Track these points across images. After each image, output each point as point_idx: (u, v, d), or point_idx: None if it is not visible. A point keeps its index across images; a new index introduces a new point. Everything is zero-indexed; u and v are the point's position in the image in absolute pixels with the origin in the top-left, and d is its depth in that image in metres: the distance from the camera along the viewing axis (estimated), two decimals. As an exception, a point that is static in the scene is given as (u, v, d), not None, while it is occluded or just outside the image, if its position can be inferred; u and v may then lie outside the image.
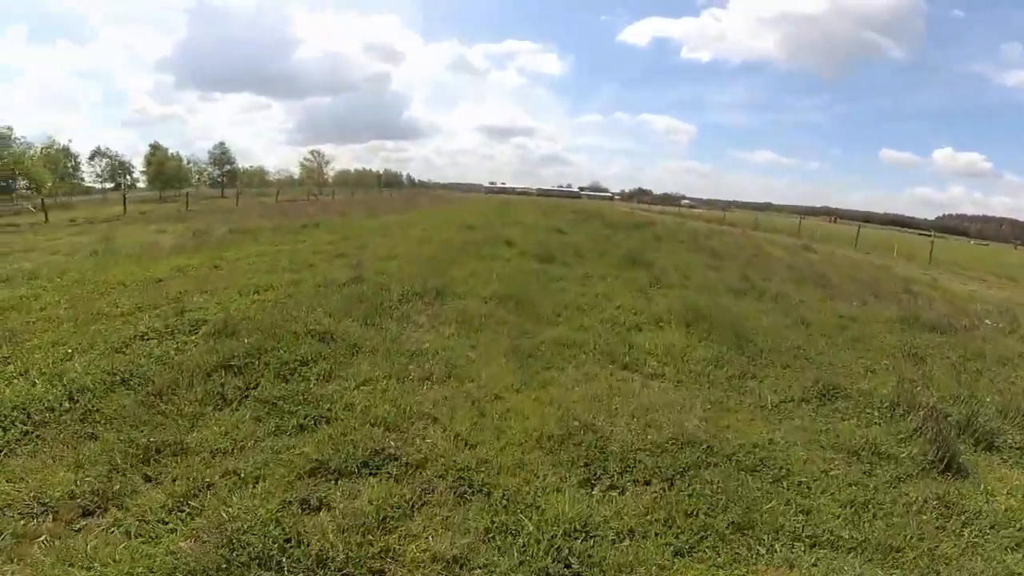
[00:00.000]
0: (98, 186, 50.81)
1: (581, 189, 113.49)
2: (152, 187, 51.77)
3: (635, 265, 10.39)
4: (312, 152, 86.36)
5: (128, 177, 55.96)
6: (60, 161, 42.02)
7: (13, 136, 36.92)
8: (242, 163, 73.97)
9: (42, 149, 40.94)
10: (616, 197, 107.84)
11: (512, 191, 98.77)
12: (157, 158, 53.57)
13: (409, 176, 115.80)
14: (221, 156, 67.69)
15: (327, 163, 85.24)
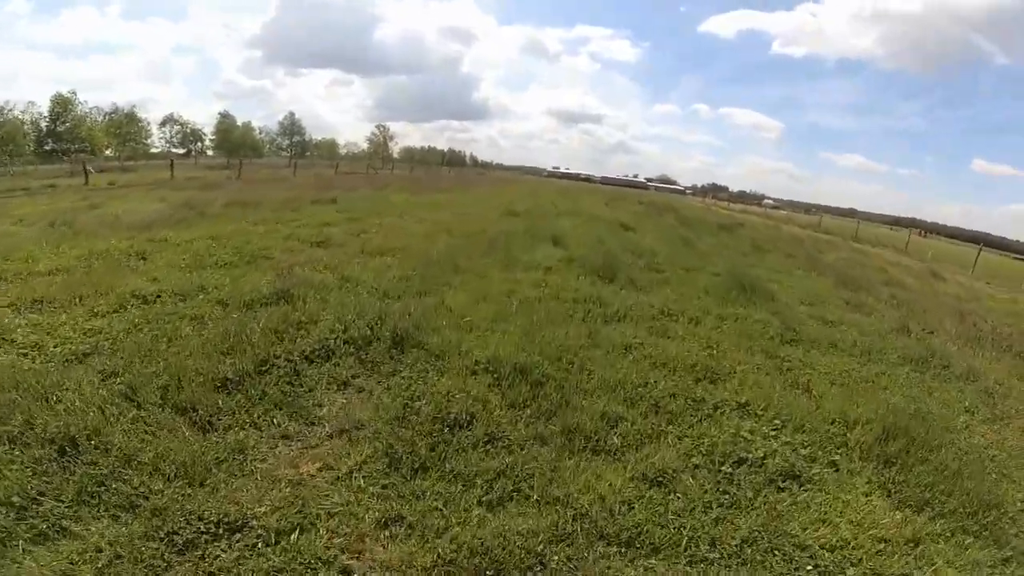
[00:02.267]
0: (170, 151, 52.45)
1: (649, 180, 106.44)
2: (220, 154, 52.73)
3: (743, 294, 6.73)
4: (378, 127, 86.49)
5: (199, 144, 56.99)
6: (123, 126, 42.89)
7: (76, 101, 37.85)
8: (317, 135, 74.80)
9: (107, 115, 41.97)
10: (688, 192, 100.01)
11: (575, 177, 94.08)
12: (224, 126, 54.22)
13: (472, 156, 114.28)
14: (291, 127, 68.31)
15: (391, 138, 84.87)
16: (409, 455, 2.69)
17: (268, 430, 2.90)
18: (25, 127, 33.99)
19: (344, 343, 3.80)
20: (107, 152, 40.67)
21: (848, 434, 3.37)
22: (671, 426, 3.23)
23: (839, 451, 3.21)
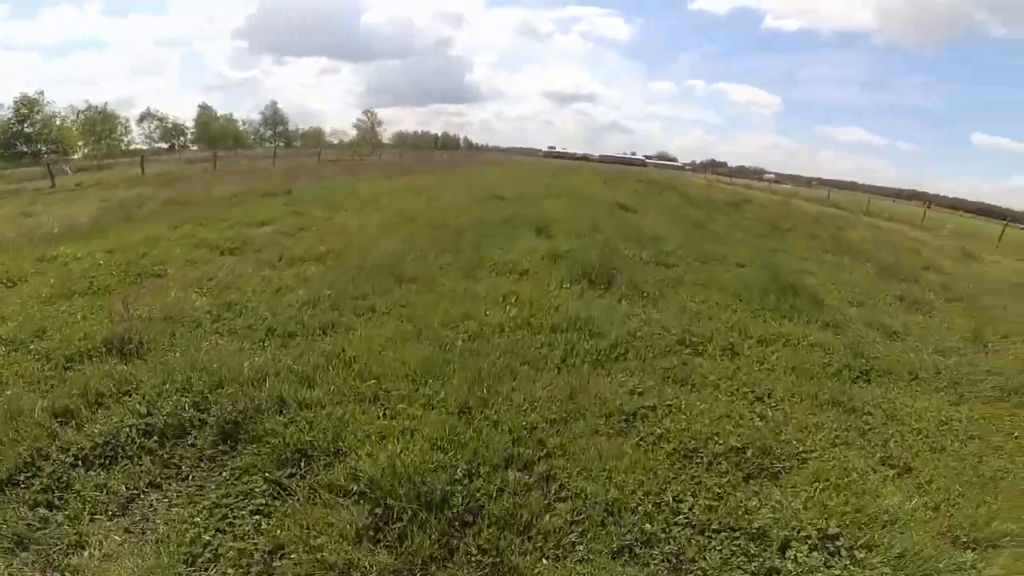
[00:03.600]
0: (151, 147, 50.72)
1: (647, 158, 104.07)
2: (203, 148, 51.45)
3: (784, 297, 5.14)
4: (365, 113, 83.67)
5: (182, 138, 54.97)
6: (97, 124, 40.92)
7: (44, 101, 36.15)
8: (304, 124, 72.95)
9: (79, 113, 40.03)
10: (687, 168, 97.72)
11: (572, 156, 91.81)
12: (203, 119, 52.23)
13: (467, 139, 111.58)
14: (273, 117, 66.65)
15: (380, 124, 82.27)
16: None
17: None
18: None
19: (144, 433, 2.24)
20: (83, 151, 38.95)
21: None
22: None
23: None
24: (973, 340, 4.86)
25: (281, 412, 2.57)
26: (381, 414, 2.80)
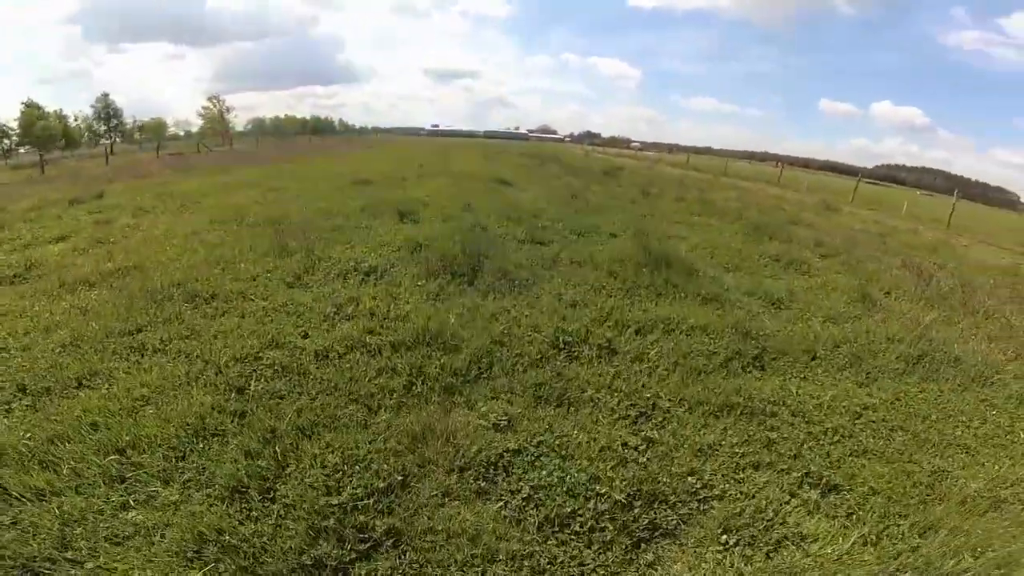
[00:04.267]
0: None
1: (530, 132, 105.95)
2: (32, 150, 42.25)
3: (657, 270, 4.77)
4: (210, 99, 72.95)
5: (6, 141, 45.29)
6: None
7: None
8: (144, 116, 63.33)
9: None
10: (567, 139, 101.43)
11: (457, 133, 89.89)
12: (27, 118, 43.53)
13: (342, 121, 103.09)
14: (105, 110, 56.84)
15: (229, 110, 72.38)
16: None
17: None
18: None
19: None
20: None
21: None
22: None
23: None
24: (861, 301, 4.86)
25: None
26: (123, 503, 1.84)
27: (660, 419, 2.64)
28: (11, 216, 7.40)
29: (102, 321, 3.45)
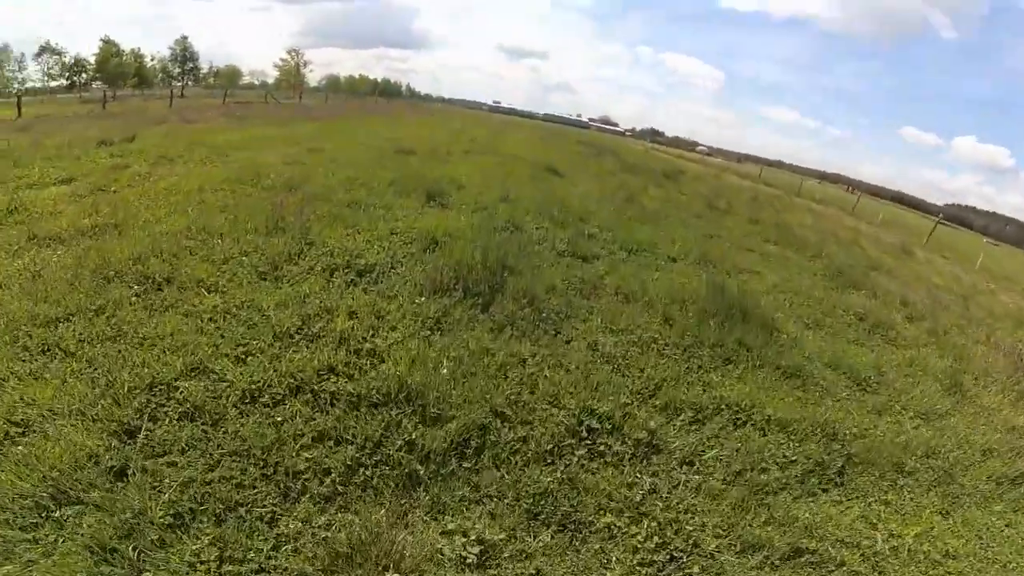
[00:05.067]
0: (44, 85, 42.97)
1: (591, 120, 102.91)
2: (104, 85, 44.97)
3: (728, 321, 3.72)
4: (289, 52, 74.57)
5: (84, 75, 47.88)
6: None
7: None
8: (222, 64, 65.57)
9: None
10: (628, 133, 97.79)
11: (516, 112, 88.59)
12: (104, 55, 46.28)
13: (409, 87, 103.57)
14: (182, 53, 58.91)
15: (306, 64, 73.70)
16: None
17: None
18: None
19: None
20: None
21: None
22: None
23: None
24: (953, 391, 3.75)
25: None
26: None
27: (699, 568, 1.71)
28: (35, 153, 7.11)
29: (30, 301, 2.84)
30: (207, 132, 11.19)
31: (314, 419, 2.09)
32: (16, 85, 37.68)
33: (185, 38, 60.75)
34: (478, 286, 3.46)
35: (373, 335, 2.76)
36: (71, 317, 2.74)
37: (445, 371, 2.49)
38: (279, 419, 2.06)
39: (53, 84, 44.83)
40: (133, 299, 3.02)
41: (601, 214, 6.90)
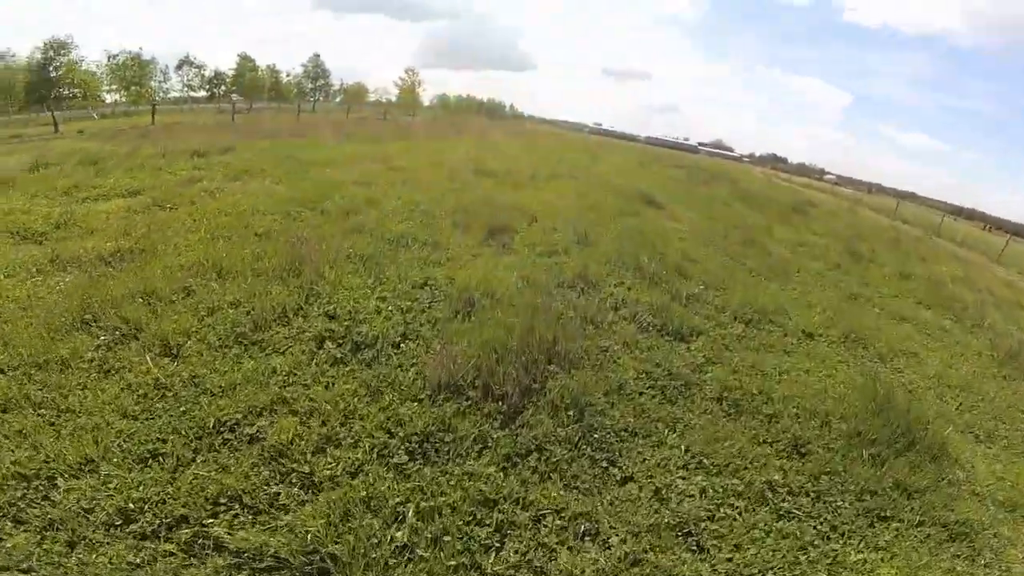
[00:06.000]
0: (184, 96, 50.37)
1: (701, 144, 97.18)
2: (242, 99, 52.15)
3: (891, 444, 2.25)
4: (407, 71, 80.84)
5: (222, 88, 53.93)
6: (127, 70, 39.49)
7: (73, 45, 35.57)
8: (348, 80, 72.35)
9: (109, 59, 38.72)
10: (744, 159, 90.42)
11: (618, 135, 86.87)
12: (242, 69, 51.38)
13: (512, 107, 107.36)
14: (315, 70, 65.80)
15: (420, 84, 79.28)
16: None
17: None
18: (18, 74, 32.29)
19: None
20: (111, 97, 38.13)
21: None
22: None
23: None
24: None
25: None
26: None
27: None
28: (127, 161, 7.46)
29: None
30: (305, 147, 11.54)
31: (182, 570, 1.20)
32: (160, 95, 42.22)
33: (317, 55, 64.73)
34: (505, 385, 2.37)
35: (320, 452, 1.84)
36: (15, 369, 2.24)
37: (401, 534, 1.45)
38: (139, 560, 1.23)
39: (194, 95, 50.61)
40: (90, 354, 2.47)
41: (709, 263, 5.43)
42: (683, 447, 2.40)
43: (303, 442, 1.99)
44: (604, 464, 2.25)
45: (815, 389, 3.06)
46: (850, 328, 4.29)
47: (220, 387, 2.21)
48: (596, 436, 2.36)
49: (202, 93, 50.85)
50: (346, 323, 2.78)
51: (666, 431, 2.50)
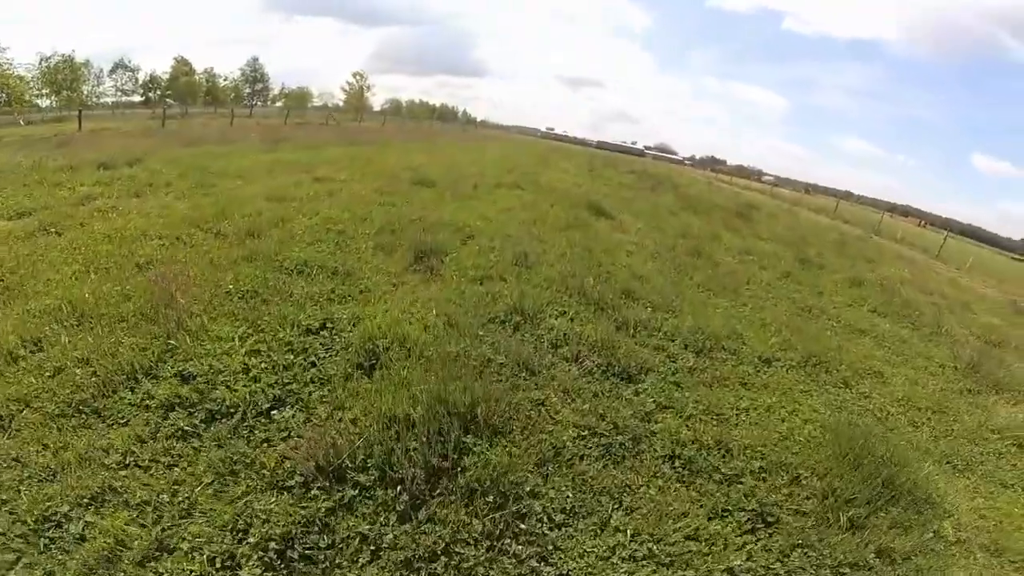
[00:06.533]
0: (120, 100, 46.33)
1: (647, 148, 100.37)
2: (176, 102, 48.37)
3: (877, 503, 1.84)
4: (354, 75, 78.23)
5: (157, 92, 50.47)
6: (58, 74, 35.97)
7: None
8: (292, 85, 69.12)
9: (41, 61, 35.14)
10: (686, 162, 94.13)
11: (569, 140, 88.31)
12: (176, 73, 48.52)
13: (465, 112, 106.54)
14: (253, 73, 62.50)
15: (369, 88, 76.88)
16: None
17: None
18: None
19: None
20: (45, 102, 34.69)
21: None
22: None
23: None
24: None
25: None
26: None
27: None
28: (26, 176, 6.34)
29: None
30: (225, 155, 10.47)
31: None
32: (93, 100, 39.12)
33: (255, 59, 63.89)
34: (406, 466, 1.81)
35: (151, 561, 1.30)
36: None
37: None
38: None
39: (133, 99, 47.19)
40: None
41: (657, 280, 5.09)
42: (629, 531, 1.94)
43: (135, 545, 1.40)
44: (534, 562, 1.76)
45: (779, 433, 2.69)
46: (809, 351, 4.02)
47: (48, 469, 1.57)
48: (523, 526, 1.86)
49: (136, 98, 47.52)
50: (202, 386, 2.13)
51: (611, 507, 2.03)
